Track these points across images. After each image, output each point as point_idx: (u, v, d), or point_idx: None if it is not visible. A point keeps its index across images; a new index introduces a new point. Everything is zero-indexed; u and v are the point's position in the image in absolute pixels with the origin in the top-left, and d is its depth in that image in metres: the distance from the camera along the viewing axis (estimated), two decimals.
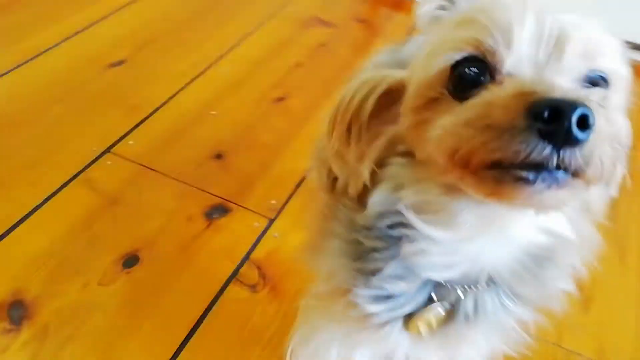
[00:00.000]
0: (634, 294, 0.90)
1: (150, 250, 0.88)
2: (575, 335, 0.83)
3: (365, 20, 1.50)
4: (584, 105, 0.29)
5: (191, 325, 0.79)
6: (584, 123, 0.29)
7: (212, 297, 0.82)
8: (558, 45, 0.34)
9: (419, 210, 0.42)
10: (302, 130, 1.13)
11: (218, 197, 0.98)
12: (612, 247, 0.97)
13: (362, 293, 0.48)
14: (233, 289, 0.84)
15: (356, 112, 0.44)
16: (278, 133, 1.12)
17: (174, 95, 1.19)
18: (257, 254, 0.89)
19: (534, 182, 0.31)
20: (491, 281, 0.44)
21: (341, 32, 1.45)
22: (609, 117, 0.32)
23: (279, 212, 0.96)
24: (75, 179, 0.98)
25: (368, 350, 0.58)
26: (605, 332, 0.84)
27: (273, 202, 0.98)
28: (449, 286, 0.45)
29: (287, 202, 0.98)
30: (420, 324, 0.48)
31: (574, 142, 0.29)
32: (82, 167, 1.00)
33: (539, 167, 0.30)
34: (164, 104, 1.16)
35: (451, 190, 0.39)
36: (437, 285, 0.46)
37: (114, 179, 0.99)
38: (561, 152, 0.30)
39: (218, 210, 0.96)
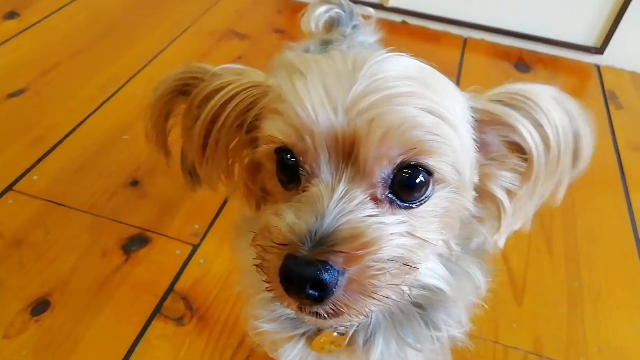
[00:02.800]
0: (564, 284, 0.92)
1: (62, 293, 0.81)
2: (511, 330, 0.83)
3: (282, 30, 1.48)
4: (324, 269, 0.31)
5: None
6: (319, 286, 0.31)
7: (134, 337, 0.76)
8: (351, 150, 0.34)
9: None
10: None
11: (135, 227, 0.91)
12: (540, 239, 0.99)
13: (260, 312, 0.49)
14: (157, 325, 0.78)
15: (225, 121, 0.42)
16: None
17: (82, 122, 1.10)
18: (182, 283, 0.84)
19: (304, 316, 0.35)
20: (382, 317, 0.47)
21: (257, 43, 1.42)
22: (398, 245, 0.34)
23: (203, 236, 0.91)
24: None
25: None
26: (540, 324, 0.85)
27: (196, 226, 0.92)
28: None
29: (211, 225, 0.93)
30: (324, 344, 0.49)
31: (314, 300, 0.32)
32: None
33: (301, 309, 0.34)
34: (71, 132, 1.08)
35: None
36: None
37: (17, 219, 0.90)
38: (307, 305, 0.33)
39: (136, 242, 0.89)
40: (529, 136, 0.38)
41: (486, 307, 0.50)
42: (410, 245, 0.35)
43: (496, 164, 0.40)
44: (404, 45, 1.60)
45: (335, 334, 0.48)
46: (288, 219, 0.33)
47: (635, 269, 0.96)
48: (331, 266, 0.31)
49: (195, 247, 0.89)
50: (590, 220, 1.03)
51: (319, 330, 0.48)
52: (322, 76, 0.34)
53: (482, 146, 0.39)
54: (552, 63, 1.49)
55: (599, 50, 1.47)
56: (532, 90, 0.38)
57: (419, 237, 0.35)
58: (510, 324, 0.84)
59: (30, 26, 1.38)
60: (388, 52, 0.37)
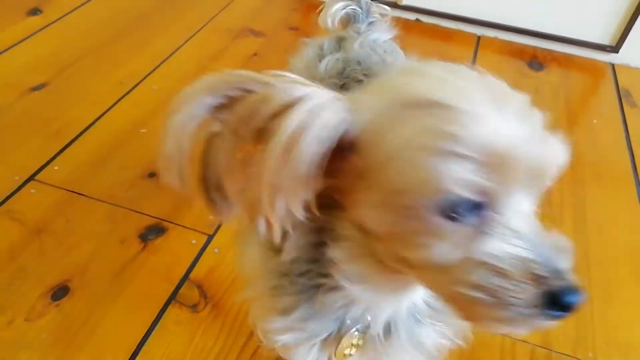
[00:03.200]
0: None
1: (81, 280, 0.83)
2: None
3: (297, 28, 1.50)
4: (582, 293, 0.34)
5: (129, 353, 0.74)
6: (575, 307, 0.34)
7: (150, 323, 0.78)
8: (539, 179, 0.35)
9: (351, 276, 0.42)
10: None
11: (153, 217, 0.94)
12: None
13: (274, 324, 0.48)
14: (172, 312, 0.80)
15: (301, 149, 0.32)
16: None
17: (101, 115, 1.14)
18: (197, 272, 0.86)
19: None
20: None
21: (273, 40, 1.44)
22: None
23: (218, 227, 0.93)
24: None
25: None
26: None
27: (211, 217, 0.94)
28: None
29: None
30: (345, 349, 0.49)
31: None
32: (3, 198, 0.94)
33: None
34: (90, 125, 1.11)
35: (393, 272, 0.40)
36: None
37: (39, 208, 0.93)
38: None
39: (153, 231, 0.92)
40: None
41: None
42: None
43: None
44: (418, 44, 1.64)
45: (356, 333, 0.48)
46: (518, 252, 0.34)
47: None
48: (582, 291, 0.34)
49: (210, 237, 0.91)
50: (600, 217, 1.03)
51: (337, 334, 0.48)
52: (490, 103, 0.33)
53: None
54: (566, 61, 1.49)
55: (614, 48, 1.46)
56: None
57: None
58: None
59: (52, 22, 1.42)
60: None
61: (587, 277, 0.92)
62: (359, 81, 0.60)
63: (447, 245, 0.34)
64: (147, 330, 0.78)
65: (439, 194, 0.32)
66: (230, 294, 0.84)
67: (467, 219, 0.33)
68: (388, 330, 0.47)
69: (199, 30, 1.45)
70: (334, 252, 0.41)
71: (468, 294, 0.34)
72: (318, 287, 0.44)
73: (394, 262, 0.38)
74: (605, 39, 1.47)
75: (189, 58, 1.35)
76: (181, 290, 0.83)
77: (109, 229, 0.91)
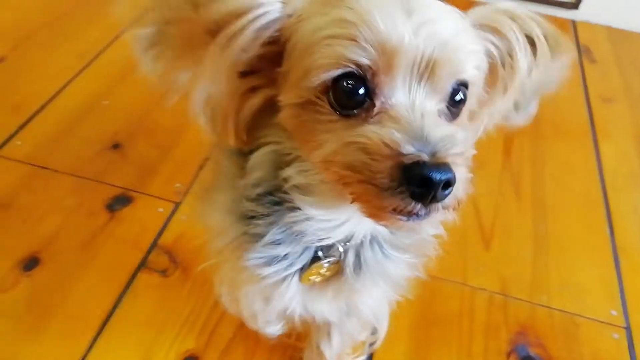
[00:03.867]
0: (530, 228, 0.96)
1: (51, 251, 0.84)
2: (478, 273, 0.88)
3: None
4: (449, 170, 0.35)
5: (103, 318, 0.76)
6: (448, 185, 0.35)
7: (122, 288, 0.80)
8: (432, 69, 0.37)
9: (303, 190, 0.45)
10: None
11: (119, 187, 0.94)
12: (508, 185, 1.03)
13: (250, 257, 0.49)
14: (143, 277, 0.82)
15: (238, 43, 0.39)
16: (176, 117, 1.09)
17: (62, 89, 1.12)
18: (165, 239, 0.88)
19: (406, 221, 0.37)
20: (368, 238, 0.49)
21: None
22: (466, 156, 0.38)
23: (185, 194, 0.94)
24: None
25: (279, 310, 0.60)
26: (506, 266, 0.90)
27: (178, 185, 0.96)
28: (331, 244, 0.48)
29: (193, 183, 0.96)
30: (312, 276, 0.51)
31: (439, 199, 0.36)
32: None
33: (410, 214, 0.36)
34: (51, 99, 1.09)
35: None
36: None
37: (3, 183, 0.93)
38: (429, 205, 0.36)
39: (120, 201, 0.92)
40: (520, 43, 0.44)
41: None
42: None
43: None
44: None
45: (326, 264, 0.50)
46: (389, 132, 0.36)
47: (600, 215, 1.00)
48: (452, 169, 0.35)
49: (177, 205, 0.93)
50: (558, 168, 1.07)
51: (310, 264, 0.50)
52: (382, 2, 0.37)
53: None
54: None
55: (574, 5, 1.48)
56: (512, 6, 0.44)
57: None
58: (478, 267, 0.89)
59: None
60: None
61: (543, 225, 0.96)
62: None
63: (335, 136, 0.38)
64: (119, 296, 0.79)
65: (331, 67, 0.37)
66: (200, 258, 0.85)
67: (356, 113, 0.38)
68: (358, 265, 0.50)
69: None
70: (286, 171, 0.44)
71: (341, 172, 0.38)
72: (281, 207, 0.46)
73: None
74: None
75: None
76: (150, 257, 0.85)
77: (76, 201, 0.92)
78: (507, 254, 0.92)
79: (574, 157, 1.12)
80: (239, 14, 0.38)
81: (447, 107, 0.40)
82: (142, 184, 0.95)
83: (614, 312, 0.85)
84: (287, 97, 0.41)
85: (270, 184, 0.46)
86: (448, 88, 0.39)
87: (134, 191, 0.94)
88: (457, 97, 0.41)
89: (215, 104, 0.45)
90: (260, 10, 0.38)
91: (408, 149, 0.35)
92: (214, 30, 0.38)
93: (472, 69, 0.40)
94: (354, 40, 0.36)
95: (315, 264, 0.50)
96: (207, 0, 0.38)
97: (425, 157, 0.35)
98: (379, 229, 0.48)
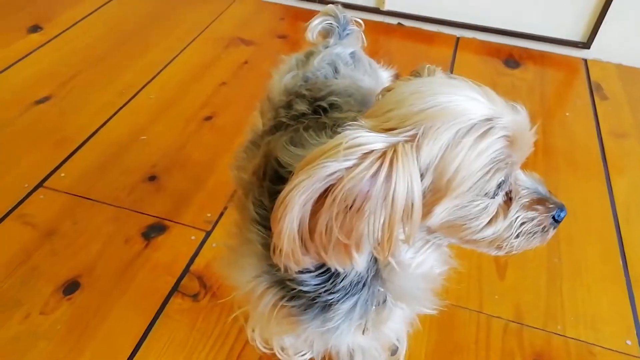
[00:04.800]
0: (544, 258, 1.00)
1: (90, 276, 0.91)
2: (494, 301, 0.91)
3: (285, 36, 1.58)
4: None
5: (137, 340, 0.82)
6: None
7: (155, 312, 0.86)
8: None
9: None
10: (232, 145, 1.19)
11: (154, 217, 1.01)
12: None
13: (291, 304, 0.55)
14: (175, 301, 0.88)
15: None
16: (209, 150, 1.17)
17: (103, 124, 1.21)
18: (197, 265, 0.94)
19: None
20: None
21: (262, 48, 1.52)
22: None
23: (215, 223, 1.01)
24: (9, 216, 0.99)
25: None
26: (520, 295, 0.93)
27: (209, 215, 1.02)
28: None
29: (222, 213, 1.03)
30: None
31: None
32: (15, 204, 1.02)
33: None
34: (93, 134, 1.19)
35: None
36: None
37: (48, 212, 1.01)
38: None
39: (155, 230, 0.99)
40: None
41: None
42: None
43: None
44: (401, 46, 1.72)
45: (373, 308, 0.57)
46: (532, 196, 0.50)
47: (613, 246, 1.03)
48: None
49: (208, 233, 0.99)
50: (572, 201, 1.11)
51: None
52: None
53: None
54: (541, 58, 1.57)
55: (586, 45, 1.54)
56: None
57: None
58: (493, 296, 0.92)
59: (52, 39, 1.50)
60: None
61: (557, 256, 0.99)
62: (302, 96, 0.64)
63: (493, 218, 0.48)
64: (152, 319, 0.85)
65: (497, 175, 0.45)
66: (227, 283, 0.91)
67: (499, 195, 0.48)
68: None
69: (192, 41, 1.53)
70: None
71: (514, 242, 0.50)
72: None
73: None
74: (577, 36, 1.55)
75: (184, 67, 1.43)
76: (183, 282, 0.91)
77: (114, 229, 0.99)
78: (522, 284, 0.95)
79: (587, 190, 1.15)
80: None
81: None
82: (176, 213, 1.02)
83: (628, 342, 0.87)
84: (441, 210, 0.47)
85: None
86: None
87: (169, 220, 1.01)
88: None
89: None
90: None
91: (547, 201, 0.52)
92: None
93: None
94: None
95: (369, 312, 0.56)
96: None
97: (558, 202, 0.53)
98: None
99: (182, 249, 0.96)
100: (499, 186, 0.46)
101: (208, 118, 1.26)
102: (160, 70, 1.40)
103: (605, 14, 1.48)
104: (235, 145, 1.19)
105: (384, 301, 0.56)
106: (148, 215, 1.02)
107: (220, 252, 0.95)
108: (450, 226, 0.47)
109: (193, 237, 0.98)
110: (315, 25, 0.79)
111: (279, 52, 1.56)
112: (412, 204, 0.41)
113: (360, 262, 0.44)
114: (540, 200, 0.50)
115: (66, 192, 1.05)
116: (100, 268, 0.92)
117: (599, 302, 0.93)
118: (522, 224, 0.49)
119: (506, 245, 0.50)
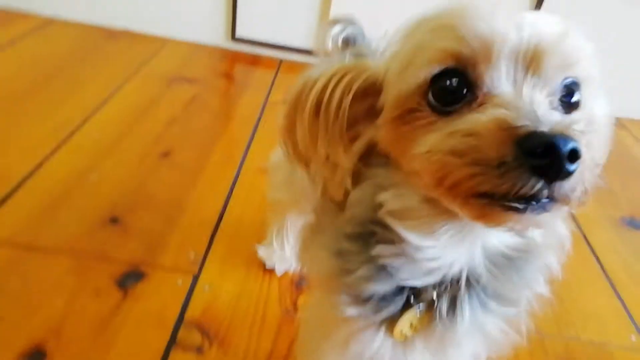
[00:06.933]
0: None
1: (58, 340, 0.71)
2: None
3: (228, 75, 1.51)
4: (574, 139, 0.30)
5: None
6: (574, 156, 0.30)
7: None
8: (536, 59, 0.35)
9: (398, 215, 0.42)
10: (199, 180, 1.07)
11: (126, 262, 0.85)
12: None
13: (341, 296, 0.46)
14: (176, 357, 0.72)
15: (330, 106, 0.42)
16: (173, 187, 1.04)
17: (40, 164, 1.02)
18: (192, 312, 0.79)
19: (524, 211, 0.32)
20: (467, 282, 0.44)
21: (207, 86, 1.44)
22: (589, 141, 0.33)
23: (202, 264, 0.87)
24: None
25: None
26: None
27: (192, 254, 0.88)
28: (425, 288, 0.44)
29: (207, 251, 0.90)
30: (403, 327, 0.46)
31: (565, 175, 0.31)
32: None
33: (530, 198, 0.31)
34: (30, 175, 0.99)
35: (433, 201, 0.39)
36: (414, 288, 0.45)
37: None
38: (552, 185, 0.31)
39: (131, 277, 0.83)
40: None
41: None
42: None
43: None
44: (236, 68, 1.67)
45: (418, 313, 0.45)
46: (498, 112, 0.32)
47: (587, 253, 1.09)
48: (576, 140, 0.30)
49: (196, 276, 0.85)
50: None
51: (401, 313, 0.45)
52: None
53: None
54: None
55: None
56: None
57: None
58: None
59: None
60: None
61: None
62: None
63: (435, 134, 0.35)
64: None
65: (429, 65, 0.36)
66: (235, 328, 0.78)
67: (457, 108, 0.35)
68: (452, 311, 0.45)
69: (129, 79, 1.40)
70: (381, 196, 0.42)
71: (443, 160, 0.34)
72: (375, 242, 0.43)
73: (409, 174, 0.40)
74: None
75: (125, 104, 1.28)
76: (180, 334, 0.76)
77: (78, 281, 0.80)
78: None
79: None
80: (326, 83, 0.42)
81: (561, 106, 0.37)
82: (152, 257, 0.87)
83: (632, 338, 0.90)
84: (384, 117, 0.40)
85: (366, 219, 0.44)
86: (558, 82, 0.36)
87: (145, 265, 0.85)
88: (573, 99, 0.38)
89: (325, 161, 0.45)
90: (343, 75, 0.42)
91: (523, 122, 0.31)
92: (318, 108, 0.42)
93: (584, 69, 0.37)
94: (452, 35, 0.35)
95: (407, 313, 0.45)
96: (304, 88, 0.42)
97: (543, 127, 0.31)
98: (478, 269, 0.43)
99: (170, 297, 0.81)
100: (438, 88, 0.36)
101: (165, 154, 1.13)
102: (99, 108, 1.24)
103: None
104: (203, 180, 1.08)
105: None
106: (118, 261, 0.85)
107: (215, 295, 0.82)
108: (395, 143, 0.40)
109: (180, 282, 0.83)
110: (337, 32, 0.74)
111: (226, 90, 1.50)
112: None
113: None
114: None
115: (5, 244, 0.84)
116: (69, 329, 0.73)
117: (595, 305, 0.96)
118: (464, 137, 0.34)
119: (443, 168, 0.35)
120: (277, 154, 0.77)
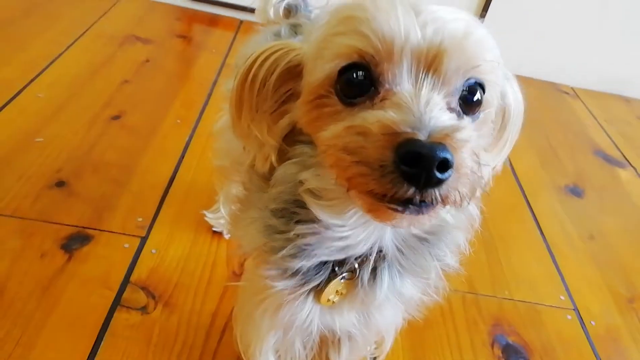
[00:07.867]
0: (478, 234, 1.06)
1: (0, 301, 0.72)
2: (447, 276, 0.94)
3: (185, 36, 1.48)
4: (445, 150, 0.32)
5: None
6: (444, 166, 0.32)
7: (97, 332, 0.71)
8: (437, 59, 0.36)
9: (315, 194, 0.44)
10: (150, 144, 1.06)
11: (72, 226, 0.85)
12: None
13: (270, 271, 0.48)
14: (120, 317, 0.74)
15: (254, 85, 0.43)
16: (124, 151, 1.03)
17: None
18: (138, 275, 0.80)
19: (402, 212, 0.35)
20: (382, 256, 0.47)
21: (162, 47, 1.41)
22: (472, 148, 0.35)
23: (150, 227, 0.88)
24: None
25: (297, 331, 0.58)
26: (469, 268, 0.95)
27: (140, 219, 0.89)
28: (347, 259, 0.47)
29: (156, 215, 0.90)
30: (330, 295, 0.49)
31: (434, 183, 0.33)
32: None
33: (406, 201, 0.34)
34: None
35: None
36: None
37: None
38: (423, 191, 0.33)
39: (77, 240, 0.83)
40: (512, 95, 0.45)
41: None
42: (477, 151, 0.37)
43: None
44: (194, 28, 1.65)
45: (341, 280, 0.48)
46: (386, 115, 0.34)
47: (528, 217, 1.15)
48: (449, 150, 0.32)
49: (144, 239, 0.86)
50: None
51: (326, 283, 0.48)
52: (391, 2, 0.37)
53: None
54: None
55: None
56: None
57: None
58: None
59: None
60: None
61: (487, 230, 1.07)
62: None
63: (338, 124, 0.38)
64: (96, 341, 0.70)
65: (336, 59, 0.38)
66: (181, 289, 0.80)
67: (360, 101, 0.38)
68: (373, 279, 0.48)
69: (80, 37, 1.35)
70: (303, 174, 0.44)
71: (338, 155, 0.36)
72: (297, 221, 0.46)
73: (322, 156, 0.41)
74: None
75: (74, 64, 1.25)
76: (125, 295, 0.77)
77: (22, 244, 0.81)
78: (467, 257, 0.99)
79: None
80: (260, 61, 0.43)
81: (461, 106, 0.39)
82: (99, 221, 0.87)
83: (562, 297, 0.97)
84: (302, 99, 0.42)
85: (290, 198, 0.46)
86: (458, 82, 0.38)
87: (91, 228, 0.86)
88: (475, 98, 0.39)
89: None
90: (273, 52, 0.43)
91: (404, 128, 0.33)
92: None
93: (487, 71, 0.39)
94: (357, 32, 0.36)
95: (332, 282, 0.48)
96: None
97: (420, 135, 0.33)
98: (390, 247, 0.47)
99: (116, 259, 0.82)
100: (344, 80, 0.38)
101: (116, 117, 1.11)
102: (46, 67, 1.21)
103: None
104: (154, 144, 1.07)
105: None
106: (63, 225, 0.85)
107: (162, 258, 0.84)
108: (310, 124, 0.42)
109: (127, 245, 0.84)
110: (278, 1, 0.74)
111: (182, 52, 1.47)
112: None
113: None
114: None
115: None
116: (12, 290, 0.74)
117: (530, 266, 1.02)
118: (355, 135, 0.36)
119: (338, 163, 0.37)
120: (222, 120, 0.78)
